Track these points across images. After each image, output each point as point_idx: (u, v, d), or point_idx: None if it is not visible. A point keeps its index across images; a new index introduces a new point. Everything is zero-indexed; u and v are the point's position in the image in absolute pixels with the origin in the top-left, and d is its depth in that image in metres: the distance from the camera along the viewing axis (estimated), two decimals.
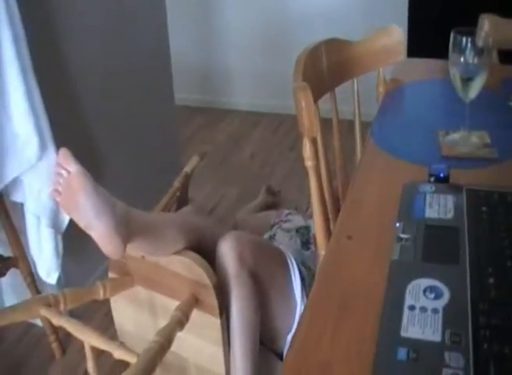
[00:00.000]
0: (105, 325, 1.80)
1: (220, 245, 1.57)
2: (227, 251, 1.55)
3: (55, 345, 2.27)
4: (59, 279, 2.19)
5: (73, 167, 1.50)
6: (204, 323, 1.54)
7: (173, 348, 1.55)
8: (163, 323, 1.47)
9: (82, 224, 1.47)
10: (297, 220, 2.09)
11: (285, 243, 1.95)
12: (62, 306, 1.54)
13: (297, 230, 2.01)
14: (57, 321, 1.50)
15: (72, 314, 2.41)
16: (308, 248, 1.92)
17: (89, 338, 1.47)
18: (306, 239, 1.97)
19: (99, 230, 1.44)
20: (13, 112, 1.95)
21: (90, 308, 2.15)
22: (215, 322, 1.52)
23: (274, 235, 2.04)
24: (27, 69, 1.91)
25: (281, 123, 4.26)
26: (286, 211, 2.19)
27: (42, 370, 2.25)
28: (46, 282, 2.21)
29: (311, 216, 1.74)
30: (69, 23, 2.28)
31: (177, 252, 1.56)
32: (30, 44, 1.91)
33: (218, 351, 1.56)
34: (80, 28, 2.34)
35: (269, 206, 2.77)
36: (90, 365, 1.50)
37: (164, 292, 1.60)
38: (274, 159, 3.85)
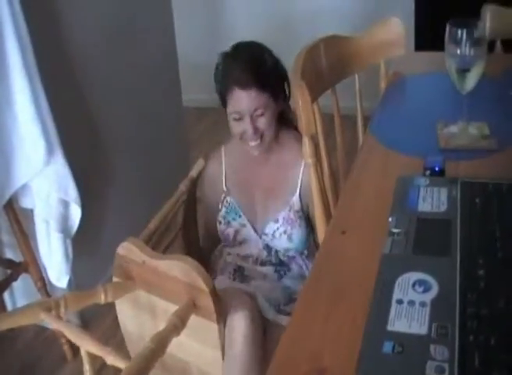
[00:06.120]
0: (114, 329, 1.82)
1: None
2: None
3: (66, 347, 2.29)
4: (70, 283, 2.21)
5: None
6: (203, 328, 1.54)
7: (175, 351, 1.56)
8: (163, 326, 1.47)
9: None
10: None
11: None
12: (62, 310, 1.54)
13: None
14: (56, 325, 1.50)
15: (82, 318, 2.44)
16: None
17: (84, 343, 1.45)
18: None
19: None
20: (20, 117, 1.96)
21: (100, 312, 2.17)
22: (213, 327, 1.52)
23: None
24: (33, 73, 1.92)
25: None
26: None
27: (54, 372, 2.27)
28: (57, 286, 2.23)
29: None
30: (74, 25, 2.30)
31: (176, 257, 1.56)
32: (36, 48, 1.93)
33: (218, 356, 1.56)
34: (84, 31, 2.35)
35: None
36: (87, 369, 1.49)
37: (164, 296, 1.59)
38: None
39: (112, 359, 1.39)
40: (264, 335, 1.63)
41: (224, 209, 1.95)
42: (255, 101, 1.76)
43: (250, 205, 1.93)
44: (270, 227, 1.87)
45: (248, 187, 1.95)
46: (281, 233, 1.85)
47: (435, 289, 0.88)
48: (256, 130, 1.79)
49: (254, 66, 1.79)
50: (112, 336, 2.00)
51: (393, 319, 0.83)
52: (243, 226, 1.92)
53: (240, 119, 1.79)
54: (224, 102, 1.84)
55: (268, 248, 1.88)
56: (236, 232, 1.92)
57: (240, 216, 1.92)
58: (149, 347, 1.34)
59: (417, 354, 0.77)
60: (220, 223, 1.95)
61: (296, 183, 1.86)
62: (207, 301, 1.48)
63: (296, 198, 1.85)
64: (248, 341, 1.55)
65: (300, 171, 1.86)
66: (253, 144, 1.82)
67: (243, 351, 1.54)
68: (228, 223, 1.93)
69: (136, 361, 1.30)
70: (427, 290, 0.87)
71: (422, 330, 0.80)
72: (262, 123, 1.79)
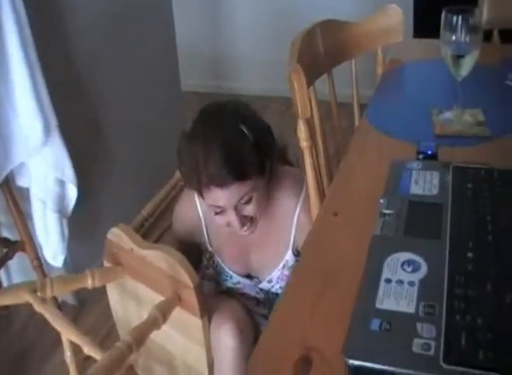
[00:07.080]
0: (109, 310, 1.82)
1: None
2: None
3: None
4: (65, 262, 2.23)
5: None
6: (188, 323, 1.53)
7: (164, 343, 1.58)
8: (146, 316, 1.45)
9: None
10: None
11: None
12: (48, 293, 1.53)
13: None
14: (38, 308, 1.48)
15: (79, 298, 2.45)
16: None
17: (63, 330, 1.45)
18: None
19: None
20: (17, 98, 1.97)
21: (96, 292, 2.17)
22: (198, 322, 1.51)
23: None
24: (31, 52, 1.93)
25: (288, 106, 4.25)
26: None
27: (49, 354, 2.28)
28: (53, 265, 2.24)
29: None
30: (73, 9, 2.30)
31: (163, 248, 1.53)
32: (33, 28, 1.93)
33: (202, 352, 1.56)
34: (84, 14, 2.35)
35: None
36: (68, 355, 1.49)
37: (150, 286, 1.57)
38: None
39: (89, 350, 1.38)
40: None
41: (212, 270, 1.78)
42: (237, 192, 1.50)
43: (242, 266, 1.76)
44: (264, 285, 1.74)
45: (237, 249, 1.75)
46: (276, 289, 1.72)
47: (423, 269, 0.89)
48: (244, 219, 1.56)
49: (230, 158, 1.45)
50: (107, 317, 2.00)
51: (382, 297, 0.84)
52: (237, 283, 1.77)
53: (222, 212, 1.54)
54: (199, 192, 1.56)
55: (265, 290, 1.76)
56: (230, 288, 1.80)
57: (231, 277, 1.76)
58: (125, 340, 1.32)
59: (404, 331, 0.78)
60: (209, 280, 1.80)
61: (289, 238, 1.67)
62: (191, 297, 1.47)
63: (289, 256, 1.68)
64: (237, 354, 1.53)
65: (292, 223, 1.64)
66: (241, 231, 1.60)
67: (233, 364, 1.53)
68: (219, 282, 1.79)
69: (111, 354, 1.29)
70: (416, 270, 0.89)
71: (410, 308, 0.82)
72: (250, 209, 1.55)
